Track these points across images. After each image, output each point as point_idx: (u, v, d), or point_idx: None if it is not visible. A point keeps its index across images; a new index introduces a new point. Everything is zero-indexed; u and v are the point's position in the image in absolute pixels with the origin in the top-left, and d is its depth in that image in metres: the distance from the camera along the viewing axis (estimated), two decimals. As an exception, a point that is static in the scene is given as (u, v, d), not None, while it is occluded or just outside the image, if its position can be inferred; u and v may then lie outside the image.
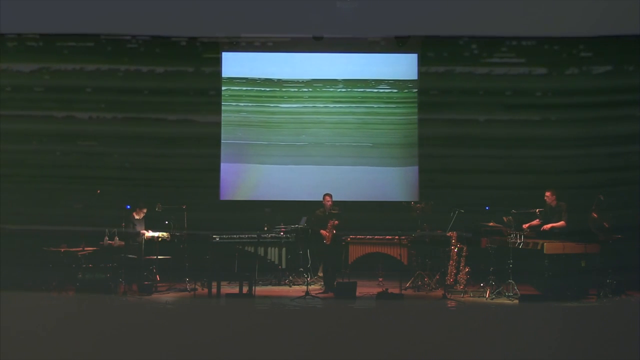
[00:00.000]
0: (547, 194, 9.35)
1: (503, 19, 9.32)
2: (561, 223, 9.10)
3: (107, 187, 10.20)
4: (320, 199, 9.92)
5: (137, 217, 9.70)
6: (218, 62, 11.70)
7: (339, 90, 11.78)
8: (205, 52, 11.62)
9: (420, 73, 11.73)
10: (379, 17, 10.01)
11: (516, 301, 8.49)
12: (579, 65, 11.08)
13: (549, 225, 9.14)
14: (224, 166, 11.67)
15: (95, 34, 10.84)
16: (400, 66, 11.80)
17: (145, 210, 9.74)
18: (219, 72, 11.73)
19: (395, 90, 11.78)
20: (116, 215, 9.52)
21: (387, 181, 11.67)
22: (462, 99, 11.30)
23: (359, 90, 11.78)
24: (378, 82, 11.78)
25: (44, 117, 11.00)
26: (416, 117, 11.72)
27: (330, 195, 9.82)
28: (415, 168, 11.67)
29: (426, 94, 11.67)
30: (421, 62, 11.73)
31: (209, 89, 11.66)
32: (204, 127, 11.55)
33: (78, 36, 10.95)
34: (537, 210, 9.20)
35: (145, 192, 10.52)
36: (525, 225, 9.18)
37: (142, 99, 11.36)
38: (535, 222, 9.26)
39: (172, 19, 9.45)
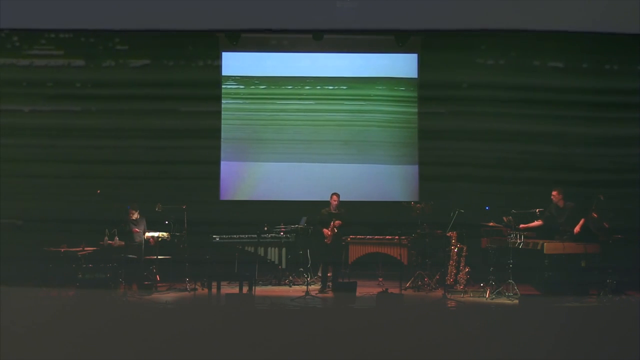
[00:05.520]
0: (554, 193, 9.16)
1: (499, 14, 9.27)
2: (582, 222, 8.88)
3: (108, 185, 10.19)
4: (320, 198, 9.91)
5: (133, 218, 9.68)
6: (218, 60, 11.69)
7: (339, 88, 11.78)
8: (205, 50, 11.61)
9: (420, 72, 11.72)
10: (379, 15, 10.01)
11: (516, 301, 8.48)
12: (589, 61, 11.04)
13: (578, 228, 8.90)
14: (224, 165, 11.66)
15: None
16: (401, 64, 11.79)
17: (137, 212, 9.69)
18: (219, 70, 11.72)
19: (396, 89, 11.78)
20: (116, 215, 9.53)
21: (388, 179, 11.65)
22: (463, 97, 11.27)
23: (360, 88, 11.77)
24: (378, 81, 11.77)
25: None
26: (416, 116, 11.72)
27: (338, 195, 9.71)
28: (415, 167, 11.68)
29: (426, 92, 11.64)
30: (421, 62, 11.73)
31: (209, 88, 11.63)
32: (203, 125, 11.53)
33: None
34: (537, 210, 9.16)
35: (144, 191, 10.50)
36: (522, 226, 9.09)
37: (137, 92, 11.30)
38: (538, 222, 9.19)
39: (172, 15, 9.44)
